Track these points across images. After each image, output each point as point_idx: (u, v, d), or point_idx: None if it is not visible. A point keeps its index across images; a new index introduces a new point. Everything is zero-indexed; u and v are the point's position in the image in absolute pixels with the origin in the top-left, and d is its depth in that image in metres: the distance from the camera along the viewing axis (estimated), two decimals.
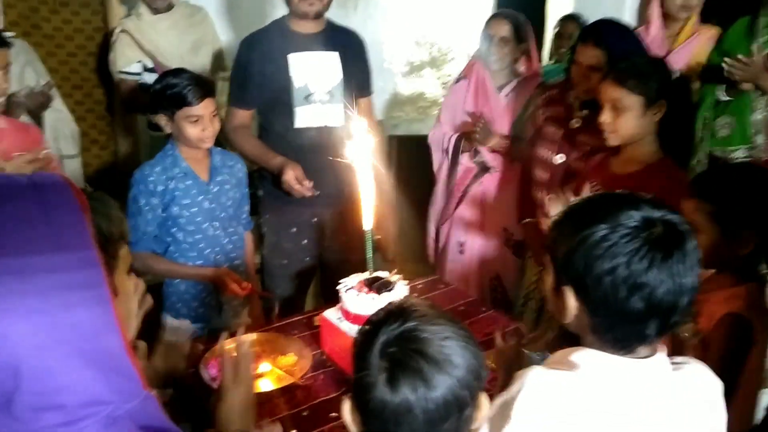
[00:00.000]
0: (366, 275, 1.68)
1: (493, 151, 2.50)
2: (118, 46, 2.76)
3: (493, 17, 2.54)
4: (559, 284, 0.99)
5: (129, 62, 2.76)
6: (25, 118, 2.41)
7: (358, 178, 1.55)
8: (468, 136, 2.51)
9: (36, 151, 1.63)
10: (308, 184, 2.08)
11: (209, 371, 1.57)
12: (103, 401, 0.68)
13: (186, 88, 1.82)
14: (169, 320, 2.03)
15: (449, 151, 2.62)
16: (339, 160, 2.05)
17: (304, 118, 2.20)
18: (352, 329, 1.59)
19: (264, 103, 2.24)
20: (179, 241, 1.94)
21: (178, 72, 1.89)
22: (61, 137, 2.59)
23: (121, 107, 3.06)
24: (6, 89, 1.72)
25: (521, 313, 2.37)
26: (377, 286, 1.60)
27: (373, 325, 0.89)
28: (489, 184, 2.58)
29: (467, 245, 2.63)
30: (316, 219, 2.32)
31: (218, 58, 2.95)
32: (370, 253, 1.64)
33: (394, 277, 1.68)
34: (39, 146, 1.93)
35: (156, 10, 2.76)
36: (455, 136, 2.59)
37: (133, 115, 3.09)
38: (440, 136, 2.67)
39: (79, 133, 2.74)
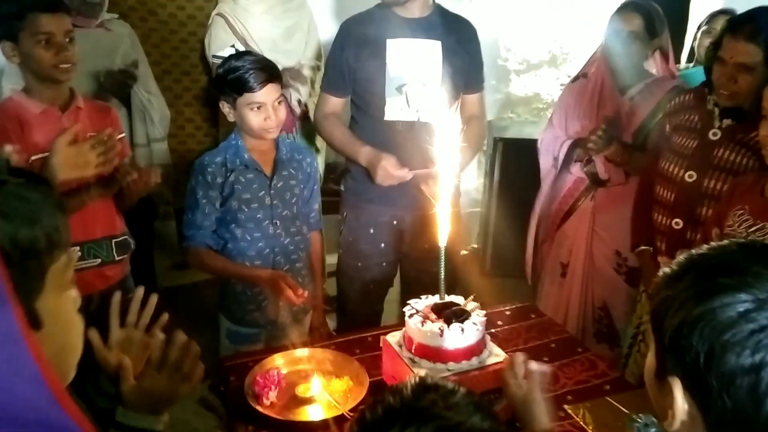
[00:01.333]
0: (436, 299, 1.43)
1: (609, 160, 2.13)
2: (213, 29, 2.72)
3: (622, 7, 2.17)
4: (663, 371, 0.68)
5: (222, 46, 2.69)
6: (116, 101, 2.40)
7: (437, 188, 1.33)
8: (583, 143, 2.15)
9: (102, 133, 1.53)
10: (405, 170, 1.89)
11: (254, 388, 1.40)
12: None
13: (248, 72, 1.66)
14: (224, 322, 1.89)
15: (559, 159, 2.28)
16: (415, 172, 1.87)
17: (394, 110, 1.98)
18: (413, 361, 1.34)
19: (356, 91, 2.05)
20: (237, 239, 1.78)
21: (242, 55, 1.75)
22: (148, 120, 2.55)
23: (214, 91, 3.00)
24: (72, 58, 1.63)
25: (627, 356, 1.99)
26: (447, 314, 1.33)
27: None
28: (601, 199, 2.21)
29: (570, 267, 2.27)
30: (396, 222, 2.09)
31: (314, 46, 2.82)
32: (442, 274, 1.38)
33: (470, 305, 1.41)
34: (114, 128, 1.85)
35: None
36: (568, 142, 2.24)
37: None
38: (551, 140, 2.34)
39: (169, 117, 2.71)
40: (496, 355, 1.36)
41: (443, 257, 1.38)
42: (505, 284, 2.84)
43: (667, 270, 0.69)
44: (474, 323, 1.33)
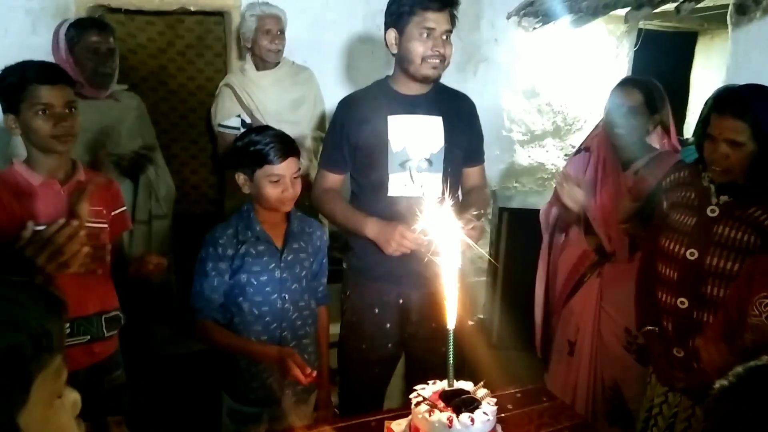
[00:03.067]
0: (444, 385, 1.37)
1: (628, 233, 2.09)
2: (220, 99, 2.75)
3: (621, 83, 2.20)
4: None
5: (228, 115, 2.72)
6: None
7: (442, 269, 1.31)
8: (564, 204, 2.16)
9: (71, 225, 1.43)
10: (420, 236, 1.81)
11: None
12: None
13: (269, 146, 1.68)
14: (227, 401, 1.82)
15: (549, 227, 2.27)
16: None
17: (398, 186, 1.97)
18: None
19: (357, 167, 2.04)
20: (244, 313, 1.75)
21: (263, 129, 1.75)
22: (153, 196, 2.54)
23: (220, 161, 3.02)
24: (71, 129, 1.63)
25: None
26: (456, 403, 1.27)
27: None
28: (609, 275, 2.17)
29: (578, 346, 2.21)
30: (402, 300, 2.03)
31: (319, 118, 2.86)
32: (451, 359, 1.33)
33: (480, 392, 1.35)
34: (115, 203, 1.84)
35: (263, 66, 2.71)
36: (556, 209, 2.24)
37: None
38: (547, 209, 2.33)
39: (174, 193, 2.69)
40: None
41: (452, 340, 1.32)
42: (513, 358, 2.76)
43: (725, 383, 0.64)
44: (485, 413, 1.26)
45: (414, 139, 1.96)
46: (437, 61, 1.89)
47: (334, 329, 2.20)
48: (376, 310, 2.03)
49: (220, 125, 2.78)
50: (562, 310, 2.26)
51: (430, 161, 1.97)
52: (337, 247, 2.62)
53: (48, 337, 0.56)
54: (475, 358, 2.17)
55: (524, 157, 4.01)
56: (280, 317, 1.77)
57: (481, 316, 3.63)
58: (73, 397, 0.60)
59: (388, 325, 2.04)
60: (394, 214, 1.93)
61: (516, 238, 3.29)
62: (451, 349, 1.33)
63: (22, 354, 0.53)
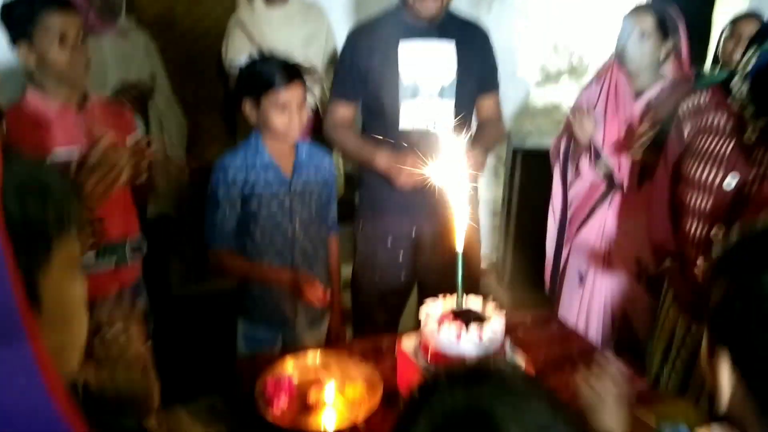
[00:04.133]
0: (453, 302, 1.38)
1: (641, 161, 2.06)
2: (230, 36, 2.72)
3: (635, 8, 2.15)
4: (713, 345, 0.72)
5: (239, 53, 2.67)
6: None
7: (451, 195, 1.32)
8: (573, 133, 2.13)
9: (141, 141, 1.48)
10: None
11: (264, 394, 1.35)
12: None
13: (273, 70, 1.67)
14: (242, 326, 1.86)
15: (559, 158, 2.24)
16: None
17: (409, 116, 1.95)
18: (429, 369, 1.29)
19: (367, 97, 2.02)
20: (256, 240, 1.77)
21: (267, 56, 1.71)
22: (166, 133, 2.54)
23: (230, 97, 3.00)
24: (88, 60, 1.63)
25: (658, 375, 1.89)
26: (465, 318, 1.28)
27: (423, 392, 0.60)
28: (619, 205, 2.15)
29: (589, 277, 2.21)
30: (415, 232, 2.04)
31: (330, 55, 2.81)
32: (460, 279, 1.34)
33: (488, 309, 1.36)
34: (130, 129, 1.84)
35: (271, 3, 2.66)
36: (566, 140, 2.21)
37: None
38: (557, 143, 2.30)
39: (186, 127, 2.70)
40: (517, 362, 1.31)
41: (461, 262, 1.33)
42: (525, 298, 2.77)
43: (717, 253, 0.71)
44: (493, 328, 1.27)
45: (426, 66, 1.93)
46: None
47: (345, 270, 2.22)
48: (389, 242, 2.04)
49: (232, 65, 2.75)
50: (572, 241, 2.26)
51: (442, 91, 1.94)
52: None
53: (69, 210, 0.59)
54: (486, 296, 2.18)
55: (539, 97, 3.93)
56: (291, 243, 1.79)
57: (494, 260, 3.64)
58: (82, 285, 0.62)
59: (401, 256, 2.06)
60: (406, 147, 1.91)
61: (530, 181, 3.27)
62: (461, 270, 1.33)
63: (46, 220, 0.56)
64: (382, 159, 1.92)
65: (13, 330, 0.49)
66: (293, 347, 1.82)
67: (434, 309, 1.37)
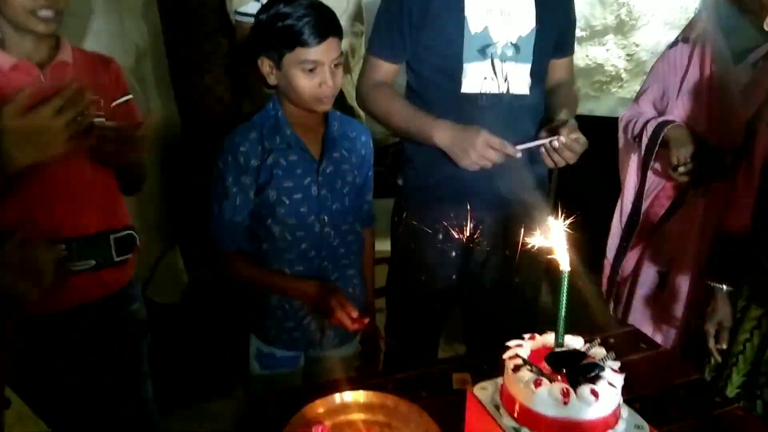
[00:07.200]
0: (549, 339, 1.03)
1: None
2: None
3: None
4: None
5: (246, 0, 2.27)
6: None
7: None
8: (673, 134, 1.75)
9: (68, 88, 1.13)
10: (510, 146, 1.45)
11: None
12: None
13: (303, 20, 1.27)
14: (255, 342, 1.51)
15: (643, 142, 1.83)
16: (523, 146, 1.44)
17: (475, 79, 1.55)
18: (518, 431, 0.94)
19: (420, 55, 1.60)
20: (275, 238, 1.41)
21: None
22: None
23: (238, 55, 2.62)
24: (56, 3, 1.27)
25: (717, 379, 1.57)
26: (573, 372, 0.93)
27: None
28: (717, 193, 1.76)
29: (672, 278, 1.85)
30: (473, 225, 1.65)
31: (355, 6, 2.39)
32: (563, 307, 0.97)
33: (594, 349, 1.00)
34: (117, 86, 1.49)
35: None
36: (657, 121, 1.80)
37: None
38: (631, 117, 1.90)
39: None
40: (638, 427, 0.96)
41: (566, 283, 0.96)
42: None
43: None
44: (611, 383, 0.92)
45: (499, 15, 1.52)
46: None
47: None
48: (441, 236, 1.65)
49: (237, 12, 2.34)
50: (650, 236, 1.88)
51: (517, 47, 1.54)
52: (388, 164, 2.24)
53: None
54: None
55: (581, 56, 3.52)
56: (318, 244, 1.43)
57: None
58: None
59: (454, 254, 1.68)
60: (469, 116, 1.52)
61: None
62: (565, 296, 0.97)
63: None
64: (443, 133, 1.51)
65: None
66: (318, 370, 1.49)
67: (521, 348, 1.01)
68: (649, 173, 1.88)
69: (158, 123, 1.68)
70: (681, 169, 1.71)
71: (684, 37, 1.89)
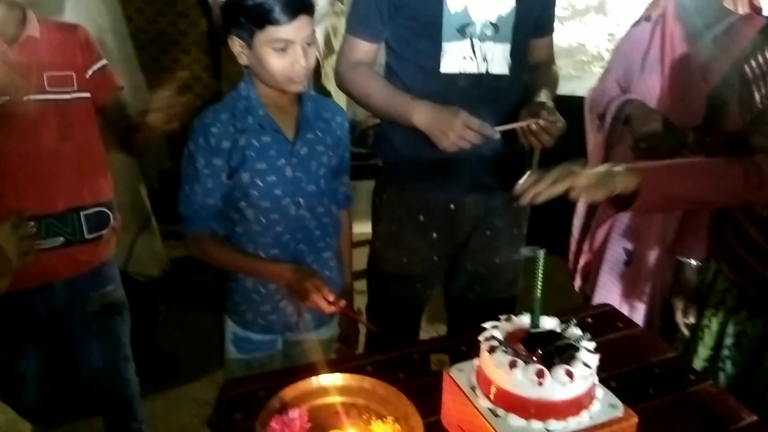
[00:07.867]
0: (525, 320, 1.02)
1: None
2: None
3: None
4: None
5: None
6: None
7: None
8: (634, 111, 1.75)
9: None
10: (489, 127, 1.43)
11: None
12: None
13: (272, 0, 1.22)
14: (231, 326, 1.49)
15: (607, 120, 1.83)
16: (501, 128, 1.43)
17: (454, 58, 1.52)
18: (495, 414, 0.94)
19: (398, 34, 1.57)
20: (248, 221, 1.38)
21: None
22: None
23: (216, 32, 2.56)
24: None
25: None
26: (548, 352, 0.92)
27: None
28: None
29: (638, 254, 1.85)
30: (453, 206, 1.63)
31: None
32: (538, 287, 0.96)
33: (570, 330, 1.00)
34: (87, 53, 1.45)
35: None
36: (620, 100, 1.80)
37: None
38: (598, 96, 1.89)
39: None
40: (612, 406, 0.96)
41: (542, 261, 0.95)
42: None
43: None
44: (586, 364, 0.92)
45: None
46: None
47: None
48: (421, 218, 1.63)
49: None
50: (617, 215, 1.88)
51: (496, 26, 1.51)
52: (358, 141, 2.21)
53: None
54: None
55: (562, 35, 3.49)
56: (293, 227, 1.40)
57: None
58: None
59: (435, 235, 1.66)
60: (447, 97, 1.49)
61: None
62: (540, 275, 0.96)
63: None
64: (422, 113, 1.48)
65: None
66: (297, 353, 1.48)
67: (497, 329, 1.01)
68: (614, 151, 1.88)
69: (128, 101, 1.64)
70: (642, 144, 1.70)
71: (647, 16, 1.87)
